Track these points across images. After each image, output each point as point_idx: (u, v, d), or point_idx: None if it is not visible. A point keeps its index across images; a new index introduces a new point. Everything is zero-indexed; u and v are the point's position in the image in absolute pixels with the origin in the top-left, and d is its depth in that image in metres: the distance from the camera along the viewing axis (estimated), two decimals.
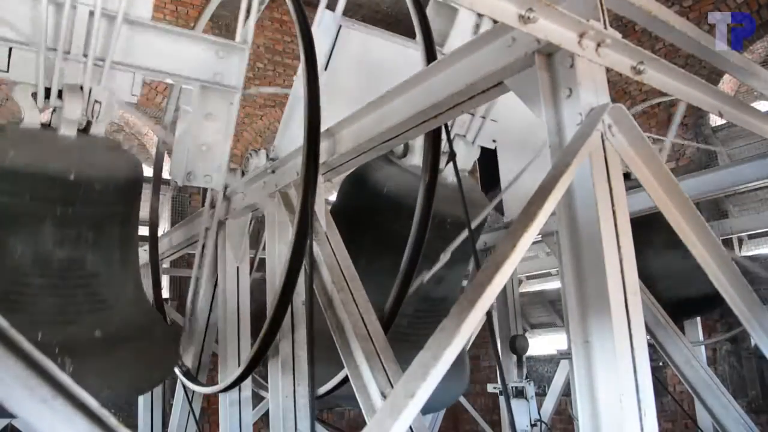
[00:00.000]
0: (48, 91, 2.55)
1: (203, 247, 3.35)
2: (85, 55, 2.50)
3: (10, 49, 2.41)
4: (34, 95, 2.57)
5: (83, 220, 2.66)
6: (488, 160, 3.56)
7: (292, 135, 2.77)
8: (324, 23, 2.72)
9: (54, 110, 2.64)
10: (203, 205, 3.69)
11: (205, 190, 3.67)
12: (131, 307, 2.88)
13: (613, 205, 1.44)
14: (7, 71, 2.44)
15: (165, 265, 5.03)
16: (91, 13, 2.43)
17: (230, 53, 2.83)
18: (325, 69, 2.70)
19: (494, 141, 3.43)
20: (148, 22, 2.61)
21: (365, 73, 2.81)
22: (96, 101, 2.62)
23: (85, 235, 2.65)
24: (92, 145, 2.67)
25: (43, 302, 2.55)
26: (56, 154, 2.58)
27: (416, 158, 3.06)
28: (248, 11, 3.02)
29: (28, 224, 2.56)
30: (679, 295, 4.29)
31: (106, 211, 2.75)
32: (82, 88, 2.58)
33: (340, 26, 2.76)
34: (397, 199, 2.87)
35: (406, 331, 2.94)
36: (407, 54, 2.96)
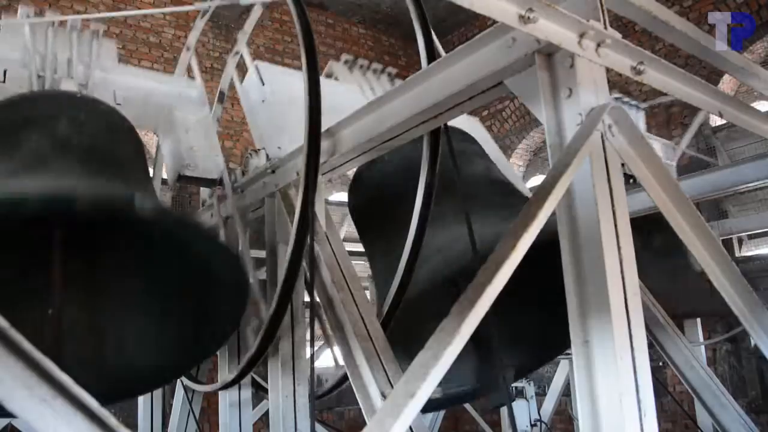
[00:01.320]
0: None
1: None
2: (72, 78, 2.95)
3: (5, 71, 2.81)
4: None
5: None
6: None
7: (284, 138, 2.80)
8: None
9: None
10: (203, 205, 3.69)
11: (204, 189, 3.68)
12: None
13: (613, 205, 1.44)
14: (4, 82, 2.78)
15: None
16: (69, 61, 2.94)
17: (188, 88, 3.36)
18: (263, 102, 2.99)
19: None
20: (116, 67, 3.17)
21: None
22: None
23: None
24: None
25: None
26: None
27: None
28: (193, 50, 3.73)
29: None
30: None
31: None
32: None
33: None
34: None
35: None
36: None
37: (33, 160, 2.18)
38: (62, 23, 3.03)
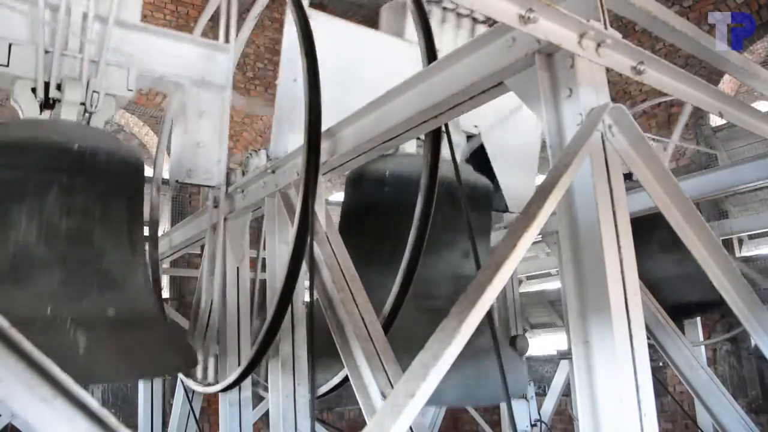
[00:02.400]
0: (47, 85, 2.64)
1: (208, 247, 3.36)
2: (81, 54, 2.66)
3: (10, 46, 2.53)
4: (33, 90, 2.64)
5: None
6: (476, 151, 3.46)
7: (288, 136, 2.78)
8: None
9: (53, 108, 2.68)
10: (203, 205, 3.69)
11: (205, 190, 3.68)
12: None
13: (613, 205, 1.44)
14: (7, 65, 2.55)
15: (165, 265, 5.03)
16: (85, 16, 2.62)
17: (216, 53, 3.05)
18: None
19: (476, 126, 3.24)
20: (137, 24, 2.83)
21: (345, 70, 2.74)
22: (94, 91, 2.71)
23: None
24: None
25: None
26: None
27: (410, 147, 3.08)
28: (228, 12, 3.24)
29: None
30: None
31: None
32: (80, 79, 2.68)
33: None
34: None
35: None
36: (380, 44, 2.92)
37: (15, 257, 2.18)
38: None
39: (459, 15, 3.25)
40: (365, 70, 2.67)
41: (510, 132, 3.29)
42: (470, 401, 3.15)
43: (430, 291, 2.71)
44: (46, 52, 2.58)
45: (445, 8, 3.19)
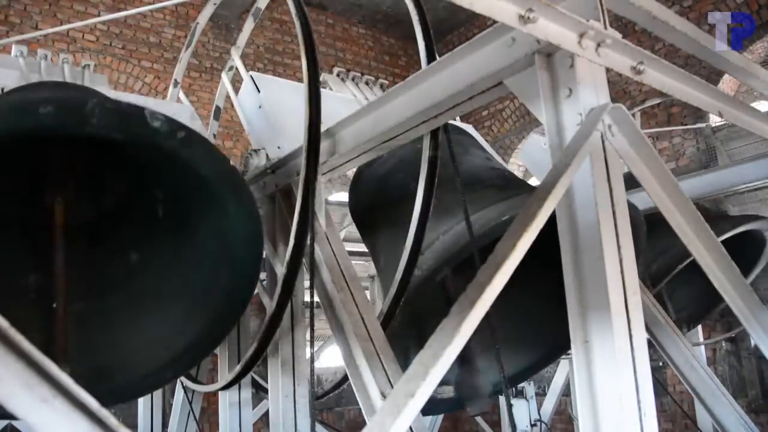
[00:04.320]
0: None
1: None
2: None
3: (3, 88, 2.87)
4: None
5: None
6: None
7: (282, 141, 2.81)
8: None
9: None
10: None
11: None
12: None
13: (613, 205, 1.44)
14: None
15: None
16: None
17: (179, 110, 3.50)
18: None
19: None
20: (108, 93, 3.17)
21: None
22: None
23: None
24: None
25: None
26: None
27: None
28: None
29: None
30: None
31: None
32: None
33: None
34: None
35: None
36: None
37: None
38: (54, 55, 3.18)
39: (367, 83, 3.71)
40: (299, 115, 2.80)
41: None
42: None
43: None
44: None
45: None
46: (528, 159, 4.00)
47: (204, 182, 2.04)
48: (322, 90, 3.38)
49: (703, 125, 6.91)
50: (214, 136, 4.27)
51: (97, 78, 3.24)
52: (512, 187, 2.53)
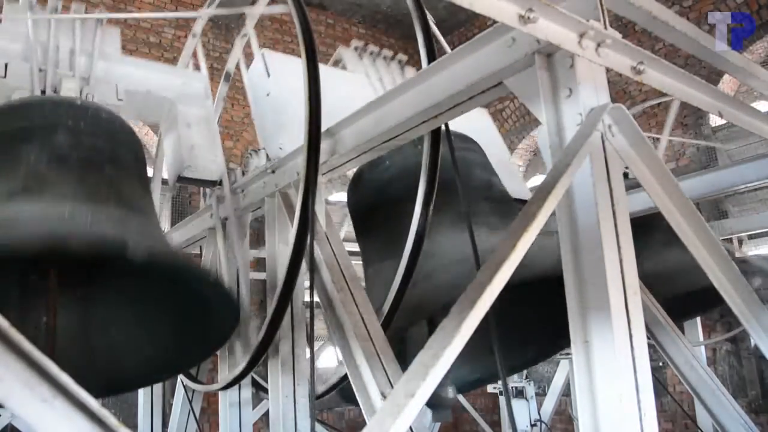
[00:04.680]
0: (43, 93, 2.82)
1: (208, 247, 3.37)
2: (72, 74, 2.92)
3: (6, 65, 2.77)
4: None
5: None
6: None
7: (285, 137, 2.80)
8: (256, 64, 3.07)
9: None
10: (203, 205, 3.69)
11: (205, 190, 3.68)
12: None
13: (613, 205, 1.44)
14: (5, 77, 2.74)
15: None
16: (72, 51, 2.91)
17: (191, 80, 3.33)
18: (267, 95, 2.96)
19: None
20: (119, 57, 3.16)
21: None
22: (88, 94, 2.90)
23: None
24: None
25: None
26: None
27: None
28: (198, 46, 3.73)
29: None
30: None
31: None
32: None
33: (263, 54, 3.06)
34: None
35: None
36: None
37: (29, 179, 2.20)
38: (66, 5, 3.01)
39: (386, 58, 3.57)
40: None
41: (479, 140, 3.29)
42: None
43: None
44: (40, 70, 2.82)
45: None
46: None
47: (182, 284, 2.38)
48: (333, 70, 3.34)
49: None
50: (224, 100, 4.14)
51: (108, 36, 3.08)
52: (504, 219, 2.55)
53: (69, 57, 2.88)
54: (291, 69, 3.01)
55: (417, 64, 2.40)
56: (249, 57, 3.33)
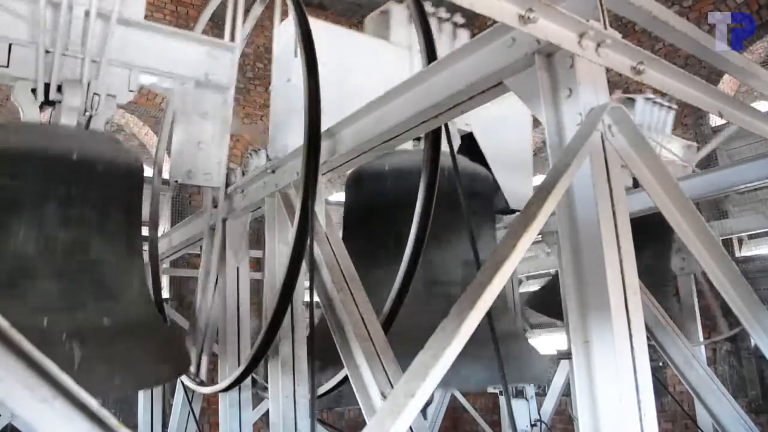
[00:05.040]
0: (47, 87, 2.60)
1: (208, 246, 3.36)
2: (83, 55, 2.61)
3: (10, 46, 2.49)
4: (33, 91, 2.60)
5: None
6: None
7: (286, 137, 2.78)
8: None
9: (54, 107, 2.66)
10: (203, 205, 3.69)
11: (205, 189, 3.68)
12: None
13: (613, 205, 1.44)
14: (7, 66, 2.50)
15: (165, 265, 5.03)
16: (87, 13, 2.56)
17: (220, 52, 2.96)
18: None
19: (467, 124, 3.19)
20: (141, 22, 2.76)
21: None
22: (95, 94, 2.68)
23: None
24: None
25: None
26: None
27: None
28: (235, 10, 3.16)
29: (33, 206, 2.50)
30: None
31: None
32: (81, 81, 2.64)
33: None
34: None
35: None
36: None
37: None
38: None
39: (440, 20, 3.27)
40: (355, 73, 2.67)
41: (503, 131, 3.27)
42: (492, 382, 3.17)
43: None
44: (47, 52, 2.54)
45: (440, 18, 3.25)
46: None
47: None
48: (373, 40, 3.12)
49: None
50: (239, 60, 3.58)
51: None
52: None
53: (83, 21, 2.55)
54: (329, 49, 2.67)
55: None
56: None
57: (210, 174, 3.04)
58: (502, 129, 3.26)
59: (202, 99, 2.97)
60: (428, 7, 3.11)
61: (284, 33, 2.92)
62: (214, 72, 2.94)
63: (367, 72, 2.78)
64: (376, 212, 2.91)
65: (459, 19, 3.33)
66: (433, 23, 3.10)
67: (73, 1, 2.53)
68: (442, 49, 2.87)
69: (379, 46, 3.14)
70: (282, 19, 3.05)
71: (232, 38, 3.17)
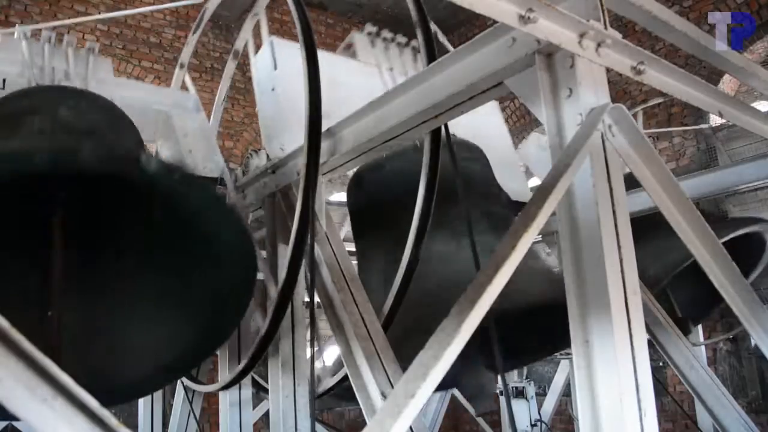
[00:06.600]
0: None
1: None
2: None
3: (4, 80, 2.94)
4: None
5: None
6: None
7: (287, 136, 2.79)
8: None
9: None
10: None
11: None
12: None
13: (613, 205, 1.44)
14: (3, 89, 2.88)
15: None
16: (66, 74, 3.06)
17: (183, 98, 3.46)
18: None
19: (453, 134, 3.28)
20: (111, 80, 3.26)
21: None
22: None
23: None
24: None
25: None
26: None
27: None
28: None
29: None
30: None
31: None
32: None
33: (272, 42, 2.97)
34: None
35: None
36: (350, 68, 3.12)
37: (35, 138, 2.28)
38: (59, 38, 3.13)
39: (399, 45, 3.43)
40: (334, 87, 2.71)
41: (484, 135, 3.26)
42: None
43: None
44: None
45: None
46: (527, 158, 4.01)
47: (197, 211, 2.15)
48: (342, 59, 3.26)
49: (705, 126, 6.91)
50: (230, 80, 4.17)
51: (100, 63, 3.21)
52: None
53: (64, 77, 3.02)
54: (299, 62, 2.74)
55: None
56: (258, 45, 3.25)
57: (208, 167, 3.10)
58: (483, 133, 3.25)
59: (181, 125, 3.24)
60: (386, 33, 3.34)
61: (261, 61, 3.04)
62: (181, 105, 3.34)
63: (345, 86, 2.83)
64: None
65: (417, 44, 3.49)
66: (393, 49, 3.34)
67: (53, 63, 3.03)
68: (408, 71, 3.21)
69: (352, 64, 3.28)
70: (256, 51, 3.22)
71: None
